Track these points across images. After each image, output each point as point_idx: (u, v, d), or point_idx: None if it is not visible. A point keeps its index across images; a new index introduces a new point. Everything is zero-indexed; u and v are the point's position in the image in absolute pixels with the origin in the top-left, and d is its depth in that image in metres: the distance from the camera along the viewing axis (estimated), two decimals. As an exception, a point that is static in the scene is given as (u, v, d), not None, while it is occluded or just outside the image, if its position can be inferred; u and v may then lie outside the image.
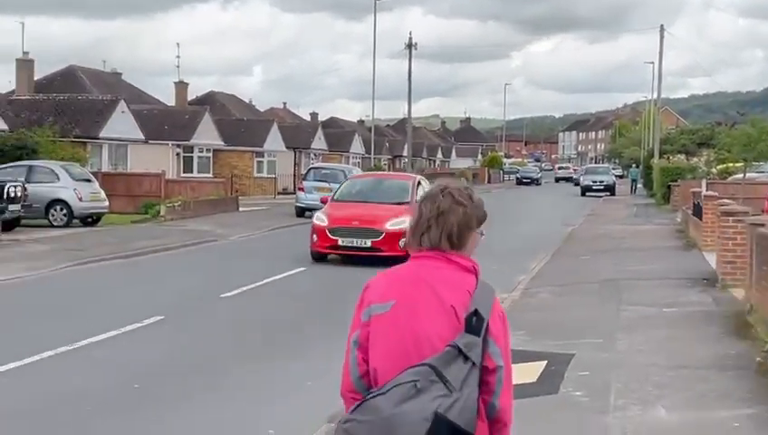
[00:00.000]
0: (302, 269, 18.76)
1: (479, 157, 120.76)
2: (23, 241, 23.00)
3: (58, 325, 12.31)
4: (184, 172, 46.82)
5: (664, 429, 7.41)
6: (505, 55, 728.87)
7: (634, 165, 79.32)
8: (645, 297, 14.37)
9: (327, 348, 11.24)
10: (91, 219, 28.64)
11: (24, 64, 46.31)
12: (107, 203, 29.44)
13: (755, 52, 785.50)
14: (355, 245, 18.98)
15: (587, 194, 60.68)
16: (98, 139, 39.55)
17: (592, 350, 10.42)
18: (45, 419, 8.02)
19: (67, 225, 27.64)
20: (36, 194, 26.81)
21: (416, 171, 72.11)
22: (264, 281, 16.80)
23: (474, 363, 2.98)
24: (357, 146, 72.78)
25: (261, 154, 54.15)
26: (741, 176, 34.91)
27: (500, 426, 3.15)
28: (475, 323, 3.03)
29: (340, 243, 19.12)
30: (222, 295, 15.04)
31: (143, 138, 42.99)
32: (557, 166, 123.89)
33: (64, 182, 28.02)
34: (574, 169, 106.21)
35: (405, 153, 77.02)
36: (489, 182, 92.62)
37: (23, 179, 26.63)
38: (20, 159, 30.85)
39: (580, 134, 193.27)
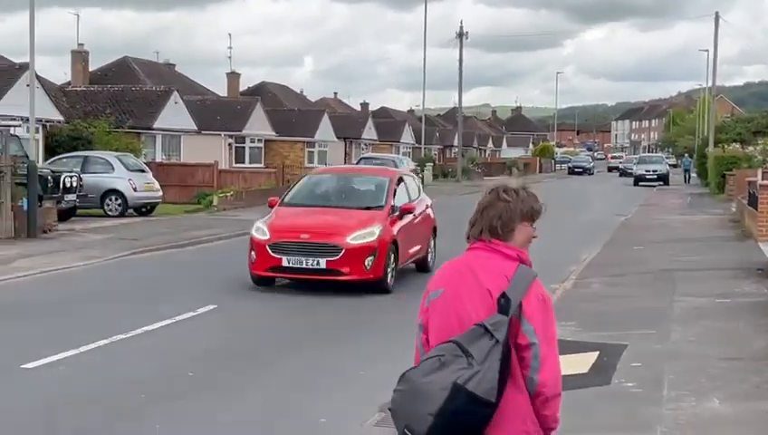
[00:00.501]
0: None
1: (530, 146, 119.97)
2: (78, 231, 23.37)
3: (113, 314, 12.50)
4: (236, 162, 47.14)
5: (718, 420, 7.35)
6: (557, 44, 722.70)
7: (687, 154, 78.30)
8: (699, 288, 14.22)
9: (380, 338, 11.31)
10: (145, 209, 29.01)
11: (79, 56, 46.94)
12: (161, 193, 29.78)
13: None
14: (305, 266, 13.97)
15: (640, 184, 59.96)
16: (151, 129, 39.98)
17: (645, 341, 10.35)
18: (101, 405, 8.16)
19: (122, 215, 28.02)
20: (91, 184, 27.21)
21: (466, 160, 72.02)
22: (316, 270, 16.86)
23: (497, 341, 3.31)
24: (407, 136, 72.75)
25: (312, 144, 54.34)
26: (798, 165, 34.25)
27: (542, 399, 3.44)
28: (503, 304, 3.39)
29: (284, 263, 14.09)
30: (275, 284, 15.13)
31: (196, 128, 43.35)
32: (610, 155, 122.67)
33: (119, 173, 28.39)
34: (612, 158, 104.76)
35: (455, 143, 76.87)
36: (541, 172, 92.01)
37: (78, 170, 27.05)
38: (75, 149, 31.34)
39: (633, 123, 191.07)
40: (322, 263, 13.96)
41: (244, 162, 47.75)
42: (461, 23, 67.93)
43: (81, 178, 26.26)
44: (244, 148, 48.80)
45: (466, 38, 67.96)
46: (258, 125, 49.46)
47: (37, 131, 28.52)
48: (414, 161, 44.64)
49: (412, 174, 18.84)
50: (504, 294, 3.41)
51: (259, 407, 8.25)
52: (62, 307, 13.20)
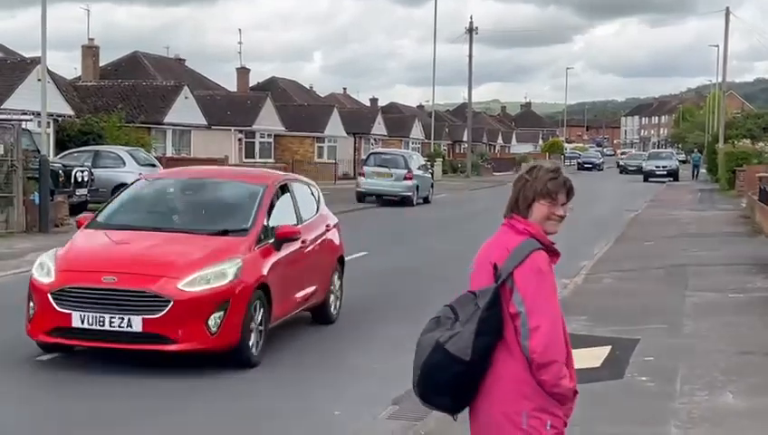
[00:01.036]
0: (363, 253, 18.83)
1: (540, 142, 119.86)
2: (90, 225, 23.41)
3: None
4: (246, 158, 47.20)
5: (732, 414, 7.36)
6: (566, 39, 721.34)
7: (696, 150, 78.20)
8: (711, 283, 14.22)
9: (393, 331, 11.32)
10: (155, 204, 29.01)
11: (90, 51, 47.06)
12: (171, 188, 29.77)
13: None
14: (107, 328, 8.75)
15: (650, 180, 59.87)
16: (162, 124, 40.07)
17: (658, 335, 10.35)
18: (113, 399, 8.19)
19: (132, 209, 28.04)
20: (102, 178, 27.28)
21: (476, 156, 71.92)
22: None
23: (478, 306, 3.67)
24: (416, 131, 72.73)
25: (321, 139, 54.38)
26: (809, 161, 34.18)
27: (535, 365, 3.65)
28: (496, 274, 3.72)
29: (75, 322, 8.83)
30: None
31: (206, 123, 43.43)
32: (619, 151, 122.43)
33: (130, 167, 28.44)
34: (622, 154, 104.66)
35: (465, 138, 76.83)
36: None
37: (89, 164, 27.14)
38: (86, 144, 31.43)
39: (643, 119, 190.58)
40: (136, 323, 8.66)
41: (254, 157, 47.81)
42: (470, 18, 67.93)
43: (92, 173, 26.34)
44: (254, 143, 48.86)
45: (476, 33, 67.95)
46: (268, 120, 49.51)
47: (48, 126, 28.62)
48: (423, 157, 44.55)
49: (307, 181, 12.46)
50: (495, 265, 3.73)
51: (273, 399, 8.28)
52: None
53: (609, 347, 9.74)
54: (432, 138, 70.65)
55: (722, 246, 19.44)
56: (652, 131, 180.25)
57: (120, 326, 8.66)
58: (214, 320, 8.80)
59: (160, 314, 8.67)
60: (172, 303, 8.70)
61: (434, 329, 3.74)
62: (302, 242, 10.56)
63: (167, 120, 40.19)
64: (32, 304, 9.15)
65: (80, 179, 25.37)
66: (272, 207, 10.35)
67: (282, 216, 10.45)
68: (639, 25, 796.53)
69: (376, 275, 16.30)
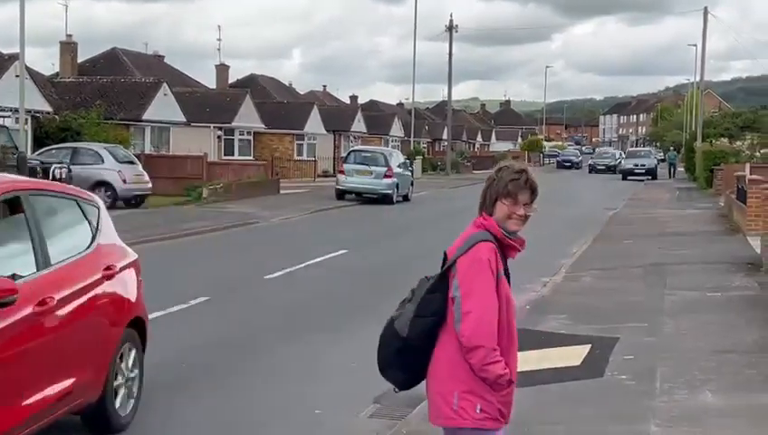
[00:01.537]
0: (343, 251, 18.84)
1: (519, 140, 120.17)
2: (68, 222, 23.28)
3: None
4: (225, 155, 47.04)
5: (711, 413, 7.39)
6: (546, 38, 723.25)
7: (672, 148, 78.69)
8: (689, 282, 14.29)
9: (372, 330, 11.32)
10: (134, 201, 28.94)
11: (68, 47, 46.72)
12: (150, 185, 29.71)
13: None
14: None
15: (628, 178, 60.14)
16: (140, 121, 39.87)
17: (637, 334, 10.40)
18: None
19: (111, 207, 27.85)
20: (81, 176, 27.10)
21: (455, 154, 72.07)
22: (307, 263, 16.90)
23: (424, 289, 3.98)
24: (396, 129, 72.70)
25: (301, 137, 54.28)
26: (786, 160, 34.44)
27: (464, 349, 3.85)
28: (443, 262, 4.00)
29: None
30: (266, 277, 15.17)
31: (185, 120, 43.25)
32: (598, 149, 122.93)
33: (109, 164, 28.33)
34: (593, 150, 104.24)
35: (445, 136, 76.90)
36: (529, 165, 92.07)
37: (68, 161, 26.99)
38: (64, 140, 31.24)
39: (622, 117, 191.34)
40: None
41: (233, 155, 47.66)
42: (451, 16, 68.03)
43: (70, 170, 26.20)
44: (233, 140, 48.71)
45: (456, 31, 68.03)
46: (247, 118, 49.37)
47: (26, 122, 28.45)
48: (403, 154, 44.54)
49: (75, 192, 7.75)
50: (445, 253, 4.02)
51: (254, 398, 8.27)
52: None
53: (589, 346, 9.78)
54: (412, 136, 70.67)
55: (700, 245, 19.55)
56: (630, 130, 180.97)
57: None
58: None
59: None
60: None
61: (398, 308, 4.09)
62: (40, 304, 5.86)
63: (145, 116, 39.99)
64: None
65: (58, 176, 25.17)
66: None
67: (12, 258, 6.09)
68: (618, 24, 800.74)
69: (355, 272, 16.31)
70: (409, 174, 38.21)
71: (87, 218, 7.46)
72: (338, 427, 7.56)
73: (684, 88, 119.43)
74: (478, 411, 3.90)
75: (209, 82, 59.00)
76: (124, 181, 28.32)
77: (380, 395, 8.17)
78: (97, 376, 6.73)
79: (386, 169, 34.17)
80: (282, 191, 37.64)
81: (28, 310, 5.72)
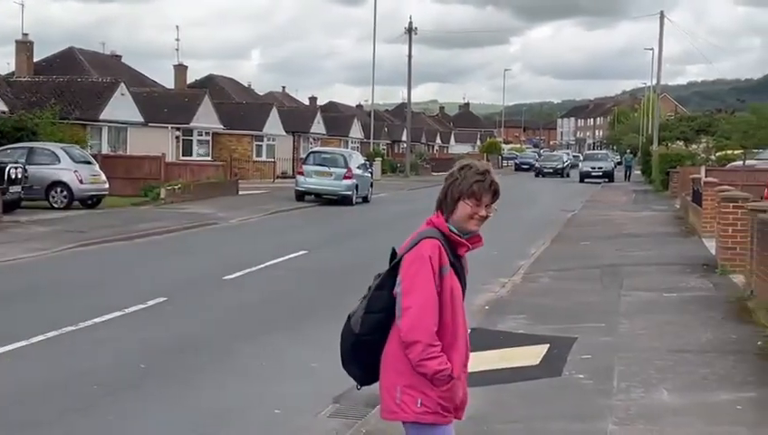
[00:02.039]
0: (303, 252, 18.80)
1: (478, 142, 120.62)
2: (24, 223, 23.03)
3: (61, 306, 12.36)
4: (183, 155, 46.72)
5: (667, 411, 7.48)
6: (504, 41, 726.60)
7: (628, 151, 79.49)
8: (645, 282, 14.45)
9: (331, 330, 11.31)
10: (91, 202, 28.67)
11: (24, 46, 46.16)
12: (107, 185, 29.44)
13: (753, 39, 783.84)
14: None
15: (585, 180, 60.68)
16: (97, 121, 39.47)
17: (594, 334, 10.49)
18: (52, 397, 8.08)
19: (67, 207, 27.67)
20: (37, 176, 26.84)
21: (415, 156, 72.22)
22: (266, 264, 16.85)
23: (370, 287, 4.04)
24: (356, 131, 72.71)
25: (260, 138, 54.08)
26: (740, 163, 34.93)
27: (403, 343, 3.89)
28: (391, 259, 4.03)
29: None
30: (224, 277, 15.10)
31: (142, 120, 42.90)
32: (564, 151, 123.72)
33: (65, 164, 28.02)
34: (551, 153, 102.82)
35: (404, 138, 76.99)
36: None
37: (23, 161, 26.64)
38: (20, 140, 30.81)
39: (579, 120, 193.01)
40: None
41: (191, 155, 47.36)
42: (410, 18, 68.18)
43: (26, 170, 25.89)
44: (191, 140, 48.41)
45: (415, 34, 68.17)
46: (206, 118, 49.10)
47: (-19, 122, 28.02)
48: (363, 156, 44.54)
49: None
50: (394, 250, 4.07)
51: (213, 399, 8.23)
52: (10, 299, 13.01)
53: (548, 345, 9.85)
54: (371, 137, 70.73)
55: (656, 247, 19.76)
56: (588, 133, 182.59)
57: None
58: None
59: None
60: None
61: (360, 303, 4.12)
62: None
63: (102, 116, 39.61)
64: None
65: (13, 176, 24.90)
66: None
67: None
68: (575, 28, 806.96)
69: (314, 273, 16.29)
70: (369, 175, 38.23)
71: None
72: (297, 427, 7.55)
73: (640, 91, 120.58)
74: (419, 405, 3.94)
75: (167, 82, 58.62)
76: (81, 181, 28.04)
77: (340, 395, 8.17)
78: None
79: (345, 170, 34.16)
80: (240, 192, 37.49)
81: None
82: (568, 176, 69.40)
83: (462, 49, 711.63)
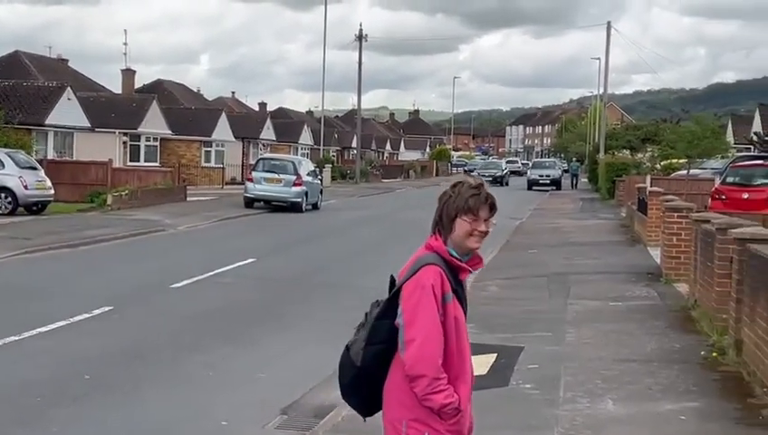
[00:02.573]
0: (251, 260, 18.71)
1: (428, 149, 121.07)
2: (-34, 229, 22.63)
3: (4, 315, 12.16)
4: (131, 161, 46.25)
5: (612, 421, 7.57)
6: (454, 48, 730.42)
7: (575, 159, 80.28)
8: (592, 291, 14.60)
9: (278, 340, 11.29)
10: (36, 208, 28.26)
11: (-32, 49, 45.40)
12: (53, 191, 29.06)
13: (698, 49, 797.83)
14: None
15: (533, 188, 61.22)
16: (43, 126, 38.91)
17: (542, 343, 10.58)
18: (-5, 409, 7.95)
19: (12, 213, 27.24)
20: (-20, 181, 26.40)
21: (365, 162, 72.28)
22: (214, 272, 16.73)
23: (367, 314, 3.89)
24: (306, 137, 72.56)
25: (209, 144, 53.74)
26: (684, 172, 35.46)
27: (408, 377, 3.71)
28: (390, 287, 3.87)
29: None
30: (172, 286, 14.97)
31: (89, 125, 42.37)
32: (505, 160, 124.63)
33: (9, 170, 27.59)
34: (508, 162, 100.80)
35: (354, 145, 77.02)
36: (437, 175, 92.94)
37: (-34, 166, 26.21)
38: (-38, 145, 30.32)
39: (527, 128, 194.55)
40: None
41: (139, 161, 46.88)
42: (360, 25, 68.38)
43: (-31, 175, 25.45)
44: (139, 146, 47.93)
45: (365, 40, 68.29)
46: (154, 123, 48.66)
47: None
48: (313, 163, 44.47)
49: None
50: (393, 277, 3.90)
51: (158, 410, 8.15)
52: (-49, 308, 12.77)
53: (495, 355, 9.90)
54: (321, 144, 70.64)
55: (602, 255, 19.98)
56: (536, 141, 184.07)
57: None
58: None
59: None
60: None
61: (354, 334, 3.94)
62: None
63: (48, 121, 39.04)
64: None
65: (-44, 182, 24.47)
66: None
67: None
68: (523, 37, 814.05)
69: (263, 281, 16.21)
70: (319, 182, 38.17)
71: None
72: (244, 438, 7.50)
73: (587, 100, 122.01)
74: None
75: (115, 86, 58.06)
76: (25, 187, 27.63)
77: (288, 406, 8.15)
78: None
79: (295, 177, 34.05)
80: (189, 198, 37.20)
81: None
82: (507, 184, 67.48)
83: (412, 56, 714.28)
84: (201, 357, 10.17)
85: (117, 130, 45.66)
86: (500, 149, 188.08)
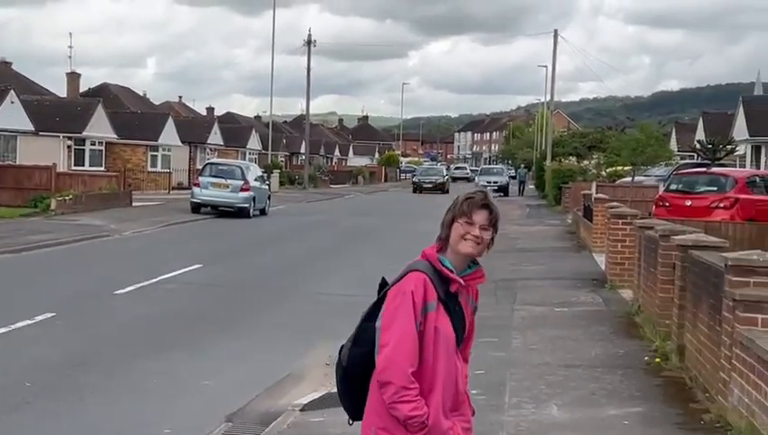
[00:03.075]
0: (198, 266, 18.55)
1: (376, 155, 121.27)
2: None
3: (-56, 322, 11.92)
4: (75, 165, 45.66)
5: (557, 427, 7.62)
6: (403, 54, 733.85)
7: (522, 166, 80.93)
8: (538, 297, 14.71)
9: (225, 347, 11.19)
10: (-23, 212, 27.78)
11: None
12: (-6, 196, 28.58)
13: (643, 58, 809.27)
14: None
15: (480, 194, 61.39)
16: (-15, 129, 38.33)
17: (488, 349, 10.60)
18: (-68, 419, 7.78)
19: (-48, 217, 26.74)
20: None
21: (313, 168, 72.15)
22: (159, 278, 16.55)
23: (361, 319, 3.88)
24: (254, 142, 72.22)
25: (155, 148, 53.23)
26: (629, 179, 35.93)
27: (378, 383, 3.69)
28: (379, 291, 3.87)
29: None
30: (116, 292, 14.79)
31: (33, 129, 41.80)
32: (453, 166, 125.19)
33: (-50, 173, 27.11)
34: (457, 169, 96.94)
35: (302, 150, 76.85)
36: (386, 181, 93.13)
37: None
38: None
39: (476, 135, 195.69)
40: None
41: (83, 165, 46.29)
42: (309, 30, 68.15)
43: None
44: (84, 150, 47.35)
45: (314, 46, 68.20)
46: (99, 127, 48.10)
47: None
48: (261, 168, 44.27)
49: None
50: (382, 281, 3.91)
51: (100, 418, 8.04)
52: None
53: (442, 361, 9.90)
54: (269, 149, 70.35)
55: (549, 261, 20.14)
56: (484, 147, 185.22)
57: None
58: None
59: None
60: None
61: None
62: None
63: (-9, 124, 38.45)
64: None
65: None
66: None
67: None
68: (472, 44, 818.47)
69: (209, 287, 16.09)
70: (266, 188, 38.00)
71: None
72: (188, 446, 7.43)
73: (535, 107, 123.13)
74: None
75: (60, 90, 57.26)
76: (-34, 191, 27.15)
77: (232, 413, 8.08)
78: None
79: (242, 182, 33.86)
80: (134, 203, 36.82)
81: None
82: (447, 192, 62.29)
83: (361, 62, 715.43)
84: (145, 364, 10.05)
85: (61, 134, 45.08)
86: (448, 156, 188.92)
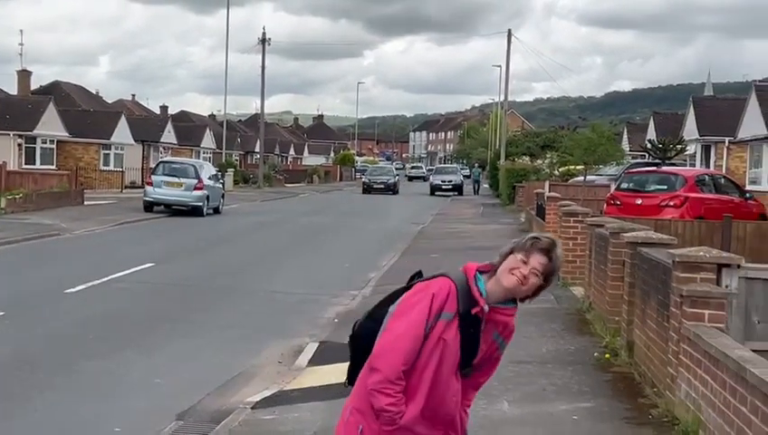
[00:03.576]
0: (150, 265, 18.40)
1: (332, 154, 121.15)
2: None
3: None
4: (26, 163, 45.10)
5: (507, 422, 7.68)
6: (358, 54, 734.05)
7: (477, 165, 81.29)
8: (490, 295, 14.76)
9: (176, 345, 11.13)
10: (-76, 211, 27.32)
11: None
12: (-58, 194, 28.11)
13: (595, 58, 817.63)
14: None
15: (436, 193, 61.79)
16: (-67, 126, 37.72)
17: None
18: None
19: None
20: None
21: (268, 167, 71.92)
22: (111, 276, 16.39)
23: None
24: (208, 141, 71.81)
25: (108, 147, 52.72)
26: (581, 178, 36.25)
27: (368, 366, 3.74)
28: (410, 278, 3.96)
29: None
30: (66, 291, 14.63)
31: (-18, 127, 41.25)
32: (410, 165, 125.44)
33: None
34: (413, 168, 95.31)
35: (257, 149, 76.54)
36: (341, 180, 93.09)
37: None
38: None
39: (431, 134, 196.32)
40: None
41: (34, 163, 45.74)
42: (263, 29, 67.97)
43: None
44: (34, 148, 46.77)
45: (269, 44, 67.99)
46: (51, 125, 47.54)
47: None
48: (215, 167, 44.01)
49: None
50: (417, 273, 3.97)
51: (50, 417, 7.96)
52: None
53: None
54: (224, 148, 69.98)
55: (502, 259, 20.22)
56: (439, 147, 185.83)
57: None
58: None
59: None
60: None
61: None
62: None
63: (-61, 122, 37.86)
64: None
65: None
66: None
67: None
68: (427, 44, 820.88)
69: (161, 286, 15.97)
70: (220, 186, 37.81)
71: None
72: (139, 445, 7.38)
73: (489, 107, 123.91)
74: (359, 431, 3.75)
75: (10, 88, 56.49)
76: None
77: (184, 411, 8.04)
78: None
79: (196, 181, 33.65)
80: (86, 202, 36.43)
81: None
82: (398, 193, 61.69)
83: (316, 61, 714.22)
84: (96, 363, 9.96)
85: (11, 132, 44.52)
86: (404, 155, 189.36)
